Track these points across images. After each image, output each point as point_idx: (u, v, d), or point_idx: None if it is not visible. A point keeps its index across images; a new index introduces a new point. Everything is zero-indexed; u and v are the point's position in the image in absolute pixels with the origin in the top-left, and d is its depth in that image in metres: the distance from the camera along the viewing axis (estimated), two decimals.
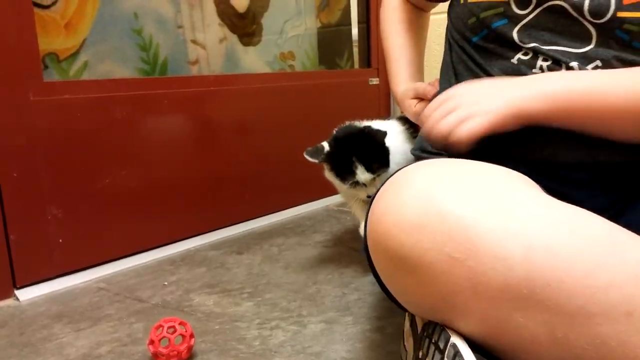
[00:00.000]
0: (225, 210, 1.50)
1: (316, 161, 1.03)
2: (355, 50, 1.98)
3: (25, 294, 1.10)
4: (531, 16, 0.73)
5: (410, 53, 1.07)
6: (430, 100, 0.97)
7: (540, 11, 0.72)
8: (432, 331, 0.56)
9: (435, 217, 0.51)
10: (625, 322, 0.43)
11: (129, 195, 1.27)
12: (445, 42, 0.91)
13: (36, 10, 1.09)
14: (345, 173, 1.02)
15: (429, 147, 0.86)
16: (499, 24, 0.75)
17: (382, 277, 0.62)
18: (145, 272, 1.21)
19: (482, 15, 0.77)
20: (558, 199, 0.55)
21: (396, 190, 0.58)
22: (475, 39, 0.79)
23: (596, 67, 0.69)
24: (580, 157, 0.70)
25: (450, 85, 0.80)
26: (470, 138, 0.64)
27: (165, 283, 1.14)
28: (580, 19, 0.70)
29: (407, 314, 0.75)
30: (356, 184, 1.03)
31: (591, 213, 0.50)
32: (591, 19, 0.69)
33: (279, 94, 1.60)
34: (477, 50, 0.79)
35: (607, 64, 0.69)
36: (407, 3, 1.09)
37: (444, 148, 0.70)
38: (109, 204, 1.24)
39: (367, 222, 0.65)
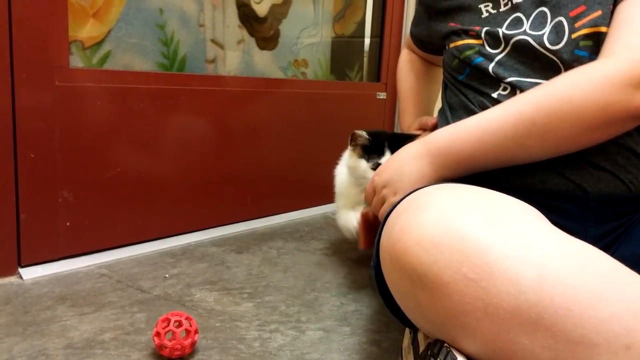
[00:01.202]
0: (228, 209, 1.52)
1: (364, 134, 1.07)
2: (366, 62, 2.03)
3: (29, 273, 1.12)
4: (504, 53, 0.83)
5: (418, 96, 1.23)
6: (431, 130, 1.09)
7: (510, 47, 0.83)
8: (438, 351, 0.59)
9: (454, 238, 0.54)
10: (624, 355, 0.46)
11: (136, 186, 1.30)
12: (442, 84, 1.03)
13: None
14: (374, 153, 1.07)
15: None
16: (477, 61, 0.86)
17: (394, 293, 0.66)
18: (147, 262, 1.24)
19: (462, 56, 0.89)
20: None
21: (417, 210, 0.61)
22: (461, 78, 0.90)
23: None
24: (569, 186, 0.75)
25: (446, 118, 0.94)
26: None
27: (167, 275, 1.17)
28: (542, 50, 0.79)
29: (407, 330, 0.78)
30: (377, 166, 1.06)
31: (597, 249, 0.54)
32: (551, 47, 0.78)
33: (289, 100, 1.64)
34: (465, 87, 0.90)
35: None
36: (419, 57, 1.25)
37: None
38: (117, 192, 1.26)
39: (381, 239, 0.68)
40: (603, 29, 0.74)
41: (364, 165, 1.07)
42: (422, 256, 0.56)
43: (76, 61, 1.19)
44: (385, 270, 0.65)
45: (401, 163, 0.82)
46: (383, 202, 0.84)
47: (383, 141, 1.07)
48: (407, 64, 1.26)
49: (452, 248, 0.54)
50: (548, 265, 0.50)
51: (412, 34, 1.18)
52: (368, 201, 0.90)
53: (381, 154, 1.06)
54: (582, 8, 0.76)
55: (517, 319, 0.50)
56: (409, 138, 1.04)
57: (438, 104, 1.26)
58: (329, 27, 1.85)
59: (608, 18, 0.74)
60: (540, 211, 0.68)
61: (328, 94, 1.76)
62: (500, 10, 0.86)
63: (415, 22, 1.14)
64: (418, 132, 1.13)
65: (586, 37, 0.75)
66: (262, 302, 1.06)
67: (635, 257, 0.67)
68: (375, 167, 1.05)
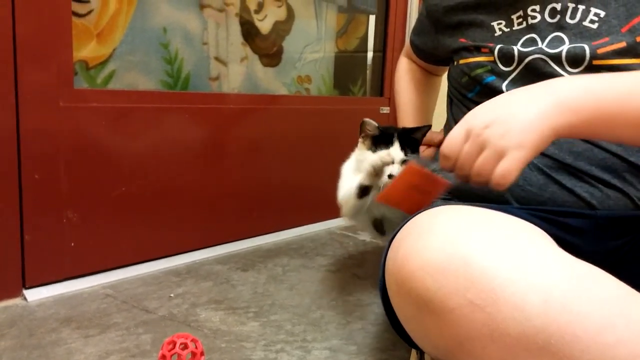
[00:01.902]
0: (232, 225, 1.52)
1: (374, 123, 1.03)
2: (369, 77, 2.03)
3: (34, 295, 1.12)
4: (516, 72, 0.81)
5: (418, 110, 1.19)
6: (437, 146, 1.05)
7: (524, 66, 0.80)
8: None
9: (459, 263, 0.54)
10: None
11: (140, 204, 1.29)
12: (447, 98, 1.01)
13: (72, 18, 1.12)
14: (382, 143, 1.02)
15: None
16: (488, 79, 0.83)
17: (400, 317, 0.65)
18: (152, 282, 1.23)
19: (473, 74, 0.86)
20: (563, 246, 0.58)
21: (421, 234, 0.61)
22: (470, 95, 0.88)
23: None
24: (578, 203, 0.73)
25: None
26: (509, 179, 0.60)
27: (172, 295, 1.16)
28: (560, 70, 0.76)
29: (413, 351, 0.78)
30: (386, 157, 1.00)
31: (603, 272, 0.53)
32: (570, 69, 0.75)
33: (293, 116, 1.64)
34: (474, 104, 0.84)
35: None
36: (419, 67, 1.20)
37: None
38: (121, 211, 1.26)
39: (386, 261, 0.68)
40: (626, 60, 0.72)
41: (370, 157, 0.99)
42: (427, 282, 0.55)
43: (80, 81, 1.20)
44: (391, 294, 0.65)
45: (512, 102, 0.64)
46: (481, 149, 0.62)
47: (392, 133, 1.03)
48: (406, 74, 1.21)
49: (457, 274, 0.53)
50: (554, 290, 0.49)
51: (413, 43, 1.14)
52: (452, 154, 0.66)
53: (389, 143, 1.01)
54: (605, 39, 0.74)
55: (524, 345, 0.49)
56: (418, 130, 1.04)
57: (436, 114, 1.26)
58: (331, 42, 1.85)
59: (633, 50, 0.72)
60: (549, 227, 0.67)
61: (332, 109, 1.76)
62: (514, 28, 0.84)
63: (418, 32, 1.10)
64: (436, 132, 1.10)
65: (609, 67, 0.73)
66: (268, 321, 1.06)
67: None
68: (381, 157, 0.98)
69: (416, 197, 0.79)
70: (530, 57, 0.79)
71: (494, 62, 0.83)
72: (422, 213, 0.69)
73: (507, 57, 0.81)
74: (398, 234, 0.69)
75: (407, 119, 1.18)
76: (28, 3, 1.04)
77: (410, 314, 0.61)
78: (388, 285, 0.66)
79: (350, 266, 1.40)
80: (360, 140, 1.08)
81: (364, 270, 1.37)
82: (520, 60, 0.80)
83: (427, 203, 0.79)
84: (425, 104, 1.22)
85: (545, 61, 0.77)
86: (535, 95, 0.63)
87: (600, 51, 0.74)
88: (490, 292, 0.51)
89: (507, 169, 0.60)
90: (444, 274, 0.54)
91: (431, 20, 1.00)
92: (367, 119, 1.04)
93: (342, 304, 1.16)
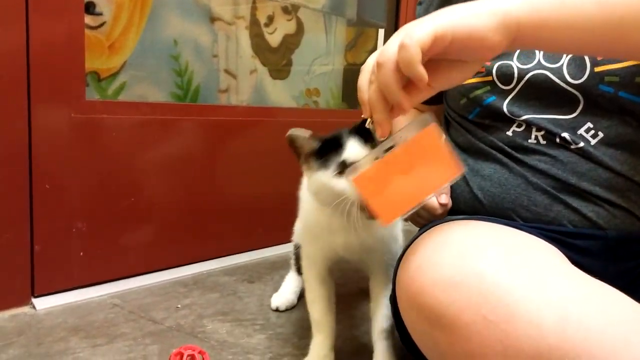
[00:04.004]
0: (239, 237, 1.53)
1: (302, 133, 0.76)
2: None
3: (42, 303, 1.13)
4: (517, 89, 0.78)
5: None
6: None
7: (525, 83, 0.77)
8: None
9: (473, 279, 0.54)
10: None
11: (149, 215, 1.30)
12: (443, 119, 0.97)
13: (85, 31, 1.14)
14: (331, 152, 0.73)
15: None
16: (488, 100, 0.80)
17: (411, 331, 0.65)
18: (159, 292, 1.24)
19: (472, 95, 0.83)
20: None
21: (434, 249, 0.61)
22: (470, 116, 0.85)
23: (588, 130, 0.73)
24: (584, 223, 0.72)
25: None
26: (420, 41, 0.52)
27: (179, 306, 1.17)
28: (563, 84, 0.74)
29: None
30: (343, 167, 0.71)
31: (618, 291, 0.53)
32: (572, 81, 0.74)
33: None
34: (475, 125, 0.84)
35: (598, 124, 0.72)
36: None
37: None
38: (130, 222, 1.27)
39: (397, 276, 0.68)
40: (629, 63, 0.70)
41: (325, 176, 0.72)
42: (440, 297, 0.55)
43: (92, 92, 1.21)
44: (402, 308, 0.65)
45: (448, 10, 0.56)
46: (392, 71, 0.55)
47: (337, 135, 0.75)
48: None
49: (471, 289, 0.53)
50: (569, 308, 0.49)
51: None
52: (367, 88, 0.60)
53: (339, 147, 0.73)
54: None
55: None
56: (363, 123, 0.69)
57: None
58: (340, 55, 1.87)
59: None
60: (558, 247, 0.67)
61: (340, 122, 1.77)
62: None
63: None
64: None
65: (611, 72, 0.72)
66: (275, 333, 1.06)
67: None
68: (342, 169, 0.70)
69: (404, 189, 0.60)
70: (530, 74, 0.77)
71: (492, 81, 0.80)
72: (434, 227, 0.69)
73: (506, 76, 0.78)
74: (409, 248, 0.69)
75: None
76: (42, 16, 1.06)
77: (422, 328, 0.61)
78: (399, 299, 0.66)
79: (356, 280, 1.40)
80: (301, 164, 0.80)
81: (369, 283, 1.37)
82: (521, 78, 0.78)
83: (414, 204, 0.62)
84: None
85: (547, 76, 0.75)
86: (475, 7, 0.56)
87: (600, 57, 0.73)
88: (505, 307, 0.51)
89: (416, 34, 0.53)
90: (456, 289, 0.54)
91: None
92: (292, 132, 0.76)
93: (349, 318, 1.15)
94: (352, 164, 0.66)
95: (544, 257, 0.58)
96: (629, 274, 0.74)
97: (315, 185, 0.75)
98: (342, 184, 0.70)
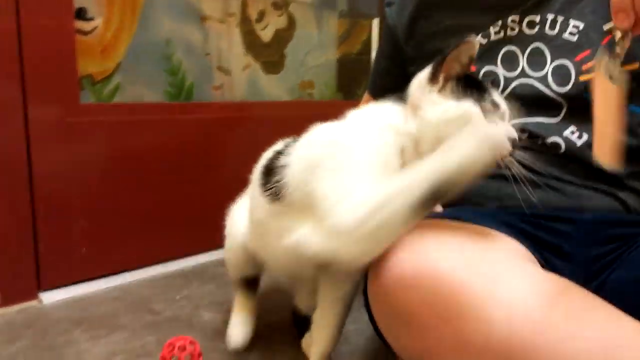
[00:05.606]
0: None
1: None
2: None
3: (48, 297, 1.19)
4: (503, 96, 0.78)
5: None
6: None
7: (510, 92, 0.80)
8: None
9: (428, 279, 0.57)
10: None
11: (148, 211, 1.36)
12: None
13: (77, 36, 1.19)
14: (473, 88, 0.69)
15: None
16: None
17: (378, 323, 0.69)
18: (158, 284, 1.29)
19: None
20: (552, 251, 0.58)
21: (401, 247, 0.64)
22: None
23: (572, 132, 0.76)
24: (565, 201, 0.75)
25: None
26: None
27: (178, 297, 1.22)
28: (549, 92, 0.77)
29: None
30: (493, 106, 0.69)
31: (573, 284, 0.55)
32: (558, 90, 0.77)
33: (297, 122, 1.68)
34: None
35: (582, 128, 0.76)
36: None
37: None
38: (130, 218, 1.33)
39: (369, 270, 0.71)
40: None
41: (475, 108, 0.66)
42: (400, 295, 0.59)
43: (87, 96, 1.26)
44: (370, 301, 0.69)
45: None
46: None
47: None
48: None
49: (426, 288, 0.57)
50: (518, 304, 0.52)
51: (376, 90, 1.08)
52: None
53: (483, 90, 0.69)
54: (587, 52, 0.76)
55: (488, 357, 0.51)
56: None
57: None
58: (334, 47, 1.89)
59: None
60: (535, 231, 0.70)
61: (335, 113, 1.80)
62: (491, 39, 0.83)
63: (381, 75, 1.08)
64: None
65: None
66: (269, 323, 1.11)
67: (637, 280, 0.67)
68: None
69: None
70: (516, 82, 0.80)
71: None
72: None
73: (493, 84, 0.80)
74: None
75: None
76: (33, 24, 1.10)
77: (386, 322, 0.65)
78: (368, 291, 0.70)
79: None
80: (432, 88, 0.69)
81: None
82: (507, 86, 0.81)
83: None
84: None
85: (533, 85, 0.78)
86: None
87: (585, 67, 0.75)
88: (457, 305, 0.54)
89: None
90: (415, 289, 0.58)
91: (397, 61, 0.97)
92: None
93: None
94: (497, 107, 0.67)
95: (502, 256, 0.61)
96: (607, 257, 0.75)
97: (452, 114, 0.67)
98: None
